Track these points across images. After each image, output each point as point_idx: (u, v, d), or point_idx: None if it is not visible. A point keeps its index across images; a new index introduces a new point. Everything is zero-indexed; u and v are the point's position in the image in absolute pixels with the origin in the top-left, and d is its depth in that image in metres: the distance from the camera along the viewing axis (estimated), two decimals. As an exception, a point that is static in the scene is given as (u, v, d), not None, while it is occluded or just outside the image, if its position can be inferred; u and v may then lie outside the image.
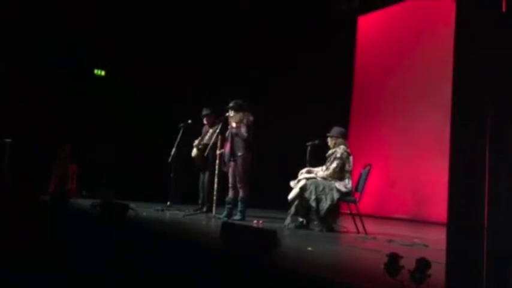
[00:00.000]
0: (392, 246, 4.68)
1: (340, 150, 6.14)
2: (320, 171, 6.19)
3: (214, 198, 6.96)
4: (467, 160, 2.24)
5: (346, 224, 6.20)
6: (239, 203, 6.62)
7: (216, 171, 6.93)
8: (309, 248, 4.11)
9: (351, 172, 6.11)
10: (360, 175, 6.21)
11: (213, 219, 6.64)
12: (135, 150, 10.00)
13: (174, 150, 7.69)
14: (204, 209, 7.33)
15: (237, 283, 3.01)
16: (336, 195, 5.90)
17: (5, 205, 6.74)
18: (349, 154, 6.15)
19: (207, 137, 7.51)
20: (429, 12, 9.67)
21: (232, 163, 6.70)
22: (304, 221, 6.11)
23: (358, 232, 5.88)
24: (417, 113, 9.71)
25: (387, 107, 10.52)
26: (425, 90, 9.58)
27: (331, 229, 5.92)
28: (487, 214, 2.15)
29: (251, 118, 6.71)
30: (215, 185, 6.93)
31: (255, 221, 6.39)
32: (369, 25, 11.51)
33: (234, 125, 6.69)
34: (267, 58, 10.57)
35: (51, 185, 8.80)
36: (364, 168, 6.24)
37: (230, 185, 6.75)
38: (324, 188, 5.93)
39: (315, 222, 6.01)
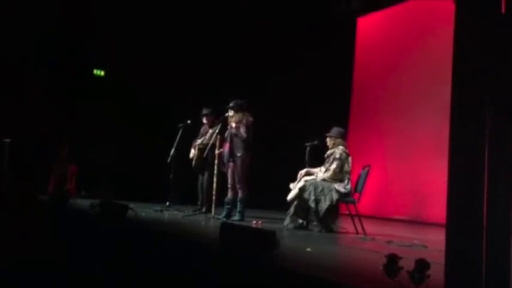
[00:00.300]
0: (391, 247, 4.68)
1: (338, 150, 6.14)
2: (320, 173, 6.18)
3: (214, 198, 6.96)
4: (467, 161, 2.24)
5: (345, 224, 6.20)
6: (238, 204, 6.62)
7: (215, 172, 6.93)
8: (308, 249, 4.11)
9: (350, 173, 6.11)
10: (359, 176, 6.21)
11: (212, 219, 6.64)
12: (134, 151, 9.98)
13: (173, 150, 7.68)
14: (203, 210, 7.32)
15: (236, 283, 3.01)
16: (335, 196, 5.91)
17: (5, 205, 6.73)
18: (348, 155, 6.15)
19: (206, 137, 7.49)
20: (429, 13, 9.67)
21: (231, 163, 6.70)
22: (304, 222, 6.11)
23: (357, 233, 5.88)
24: (416, 113, 9.72)
25: (386, 108, 10.52)
26: (425, 91, 9.59)
27: (330, 230, 5.92)
28: (486, 215, 2.15)
29: (250, 119, 6.71)
30: (214, 186, 6.93)
31: (254, 222, 6.39)
32: (369, 26, 11.52)
33: (233, 125, 6.69)
34: (267, 58, 10.55)
35: (50, 185, 8.78)
36: (364, 168, 6.24)
37: (229, 186, 6.74)
38: (323, 189, 5.93)
39: (314, 223, 6.01)
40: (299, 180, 6.21)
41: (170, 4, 10.05)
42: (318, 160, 6.42)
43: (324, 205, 5.86)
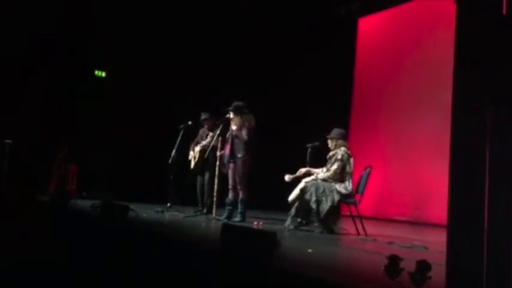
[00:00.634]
0: (392, 248, 4.67)
1: (340, 151, 6.13)
2: (321, 173, 6.18)
3: (215, 199, 6.96)
4: (468, 161, 2.24)
5: (346, 225, 6.20)
6: (239, 205, 6.62)
7: (216, 173, 6.93)
8: (309, 250, 4.11)
9: (351, 174, 6.11)
10: (361, 177, 6.20)
11: (213, 220, 6.64)
12: (135, 151, 9.99)
13: (174, 151, 7.68)
14: (204, 211, 7.33)
15: (237, 284, 3.00)
16: (336, 197, 5.90)
17: (5, 206, 6.74)
18: (349, 156, 6.15)
19: (207, 140, 7.48)
20: (430, 14, 9.67)
21: (232, 164, 6.70)
22: (305, 223, 6.11)
23: (358, 234, 5.88)
24: (417, 114, 9.71)
25: (387, 109, 10.52)
26: (426, 92, 9.58)
27: (331, 231, 5.92)
28: (487, 216, 2.15)
29: (253, 122, 6.71)
30: (215, 187, 6.93)
31: (255, 223, 6.39)
32: (370, 27, 11.52)
33: (234, 127, 6.70)
34: (267, 59, 10.57)
35: (51, 186, 8.79)
36: (365, 170, 6.23)
37: (230, 187, 6.75)
38: (324, 190, 5.93)
39: (315, 224, 6.01)
40: (296, 175, 6.21)
41: (170, 5, 10.06)
42: (319, 161, 6.42)
43: (325, 206, 5.86)
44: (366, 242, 5.39)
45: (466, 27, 2.34)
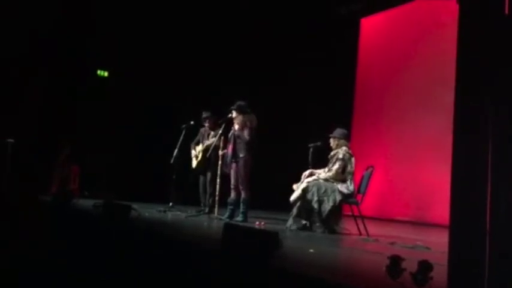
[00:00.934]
0: (394, 248, 4.67)
1: (342, 151, 6.13)
2: (322, 173, 6.18)
3: (217, 199, 6.97)
4: (470, 162, 2.24)
5: (348, 226, 6.20)
6: (241, 204, 6.62)
7: (219, 172, 6.93)
8: (311, 250, 4.11)
9: (353, 174, 6.10)
10: (362, 177, 6.20)
11: (215, 220, 6.64)
12: (137, 151, 10.00)
13: (176, 151, 7.68)
14: (206, 210, 7.33)
15: (239, 284, 3.01)
16: (338, 197, 5.90)
17: (7, 205, 6.75)
18: (351, 155, 6.15)
19: (209, 140, 7.49)
20: (432, 14, 9.67)
21: (234, 164, 6.71)
22: (307, 223, 6.11)
23: (360, 234, 5.88)
24: (420, 115, 9.71)
25: (389, 109, 10.52)
26: (428, 93, 9.58)
27: (333, 231, 5.92)
28: (489, 216, 2.15)
29: (255, 122, 6.71)
30: (217, 186, 6.93)
31: (257, 223, 6.39)
32: (372, 27, 11.51)
33: (236, 127, 6.70)
34: (269, 59, 10.57)
35: (53, 186, 8.80)
36: (367, 170, 6.23)
37: (232, 186, 6.75)
38: (326, 190, 5.93)
39: (317, 224, 6.00)
40: (302, 182, 6.21)
41: (171, 5, 10.07)
42: (321, 161, 6.42)
43: (327, 206, 5.86)
44: (368, 242, 5.39)
45: (469, 27, 2.34)
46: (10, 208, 6.45)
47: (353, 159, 6.13)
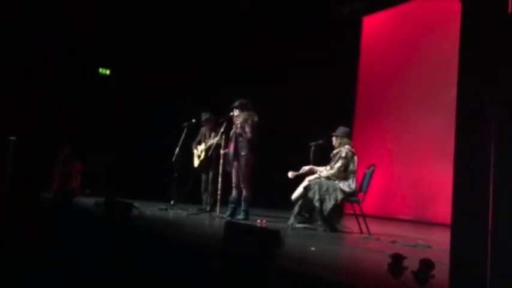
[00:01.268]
0: (395, 247, 4.67)
1: (345, 149, 6.13)
2: (324, 171, 6.18)
3: (218, 197, 6.97)
4: (472, 161, 2.24)
5: (349, 224, 6.20)
6: (243, 203, 6.63)
7: (220, 171, 6.94)
8: (312, 248, 4.11)
9: (355, 172, 6.10)
10: (364, 175, 6.20)
11: (217, 218, 6.65)
12: (138, 150, 10.01)
13: (178, 149, 7.69)
14: (208, 209, 7.34)
15: (240, 283, 3.01)
16: (339, 196, 5.90)
17: (9, 203, 6.76)
18: (353, 154, 6.15)
19: (211, 139, 7.48)
20: (435, 12, 9.65)
21: (235, 162, 6.71)
22: (307, 218, 6.11)
23: (362, 232, 5.88)
24: (422, 113, 9.70)
25: (392, 108, 10.51)
26: (430, 91, 9.56)
27: (334, 229, 5.92)
28: (491, 216, 2.15)
29: (256, 119, 6.71)
30: (219, 185, 6.93)
31: (259, 221, 6.40)
32: (374, 25, 11.50)
33: (238, 125, 6.70)
34: (270, 58, 10.56)
35: (54, 183, 8.81)
36: (368, 168, 6.23)
37: (233, 185, 6.76)
38: (327, 188, 5.93)
39: (319, 222, 6.00)
40: (300, 173, 6.21)
41: (171, 5, 10.07)
42: (323, 159, 6.42)
43: (329, 204, 5.86)
44: (369, 240, 5.39)
45: (471, 26, 2.33)
46: (10, 208, 6.45)
47: (355, 158, 6.12)
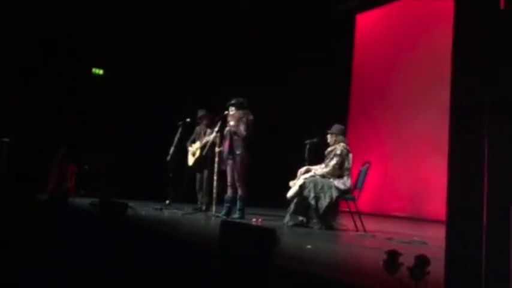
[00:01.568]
0: (391, 243, 4.69)
1: (340, 147, 6.14)
2: (319, 169, 6.19)
3: (214, 196, 6.96)
4: (466, 158, 2.24)
5: (345, 222, 6.21)
6: (238, 201, 6.62)
7: (215, 170, 6.93)
8: (308, 246, 4.12)
9: (350, 170, 6.11)
10: (359, 173, 6.21)
11: (212, 217, 6.64)
12: (133, 149, 9.99)
13: (172, 148, 7.67)
14: (203, 208, 7.33)
15: (236, 281, 3.01)
16: (334, 193, 5.91)
17: (4, 204, 6.73)
18: (348, 151, 6.15)
19: (206, 137, 7.47)
20: (428, 9, 9.67)
21: (230, 161, 6.70)
22: (304, 219, 6.11)
23: (357, 230, 5.89)
24: (416, 110, 9.72)
25: (386, 105, 10.52)
26: (424, 88, 9.59)
27: (330, 227, 5.93)
28: (486, 211, 2.15)
29: (251, 117, 6.71)
30: (214, 183, 6.93)
31: (254, 219, 6.40)
32: (368, 23, 11.51)
33: (232, 123, 6.69)
34: (266, 57, 10.56)
35: (49, 184, 8.79)
36: (363, 165, 6.24)
37: (229, 183, 6.75)
38: (323, 186, 5.93)
39: (314, 220, 6.01)
40: (299, 178, 6.21)
41: (171, 4, 10.05)
42: (318, 157, 6.42)
43: (324, 202, 5.87)
44: (365, 238, 5.40)
45: (464, 23, 2.34)
46: (7, 207, 6.43)
47: (350, 156, 6.13)
